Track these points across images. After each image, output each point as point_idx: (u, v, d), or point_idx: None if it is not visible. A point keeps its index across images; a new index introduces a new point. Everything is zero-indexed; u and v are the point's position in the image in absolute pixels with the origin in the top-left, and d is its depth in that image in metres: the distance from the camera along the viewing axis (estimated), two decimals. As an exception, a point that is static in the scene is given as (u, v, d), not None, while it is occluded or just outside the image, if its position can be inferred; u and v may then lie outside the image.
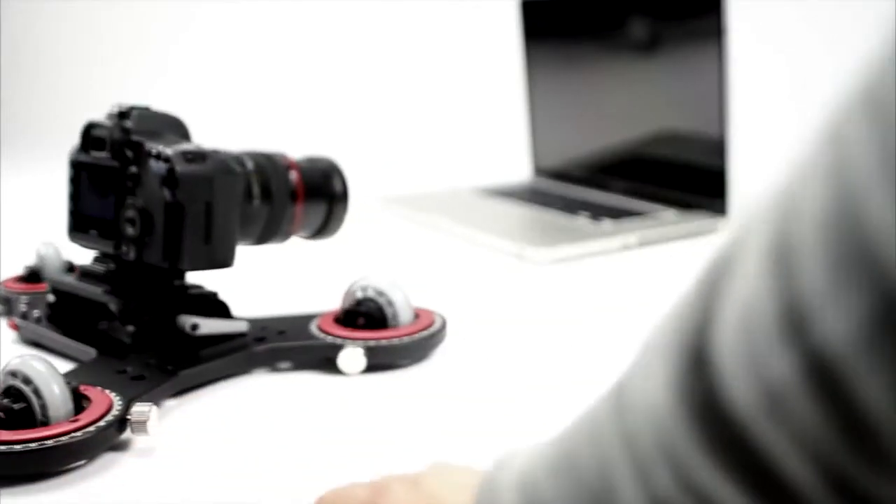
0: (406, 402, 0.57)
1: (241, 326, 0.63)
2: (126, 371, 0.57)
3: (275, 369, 0.64)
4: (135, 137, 0.61)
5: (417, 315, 0.66)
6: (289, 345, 0.63)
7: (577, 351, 0.65)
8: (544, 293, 0.79)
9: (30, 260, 0.75)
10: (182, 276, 0.63)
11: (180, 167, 0.58)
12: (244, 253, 0.63)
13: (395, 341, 0.62)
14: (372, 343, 0.62)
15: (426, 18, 1.73)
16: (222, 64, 1.83)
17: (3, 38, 1.97)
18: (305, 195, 0.66)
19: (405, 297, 0.65)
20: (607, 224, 0.98)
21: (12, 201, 1.20)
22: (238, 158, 0.63)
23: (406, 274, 0.85)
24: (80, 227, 0.65)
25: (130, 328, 0.61)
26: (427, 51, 1.72)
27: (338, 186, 0.68)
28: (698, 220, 1.00)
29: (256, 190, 0.63)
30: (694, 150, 1.03)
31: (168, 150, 0.58)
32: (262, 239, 0.65)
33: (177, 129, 0.64)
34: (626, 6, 1.09)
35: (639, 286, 0.80)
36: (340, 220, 0.69)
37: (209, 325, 0.61)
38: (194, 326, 0.61)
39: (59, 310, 0.67)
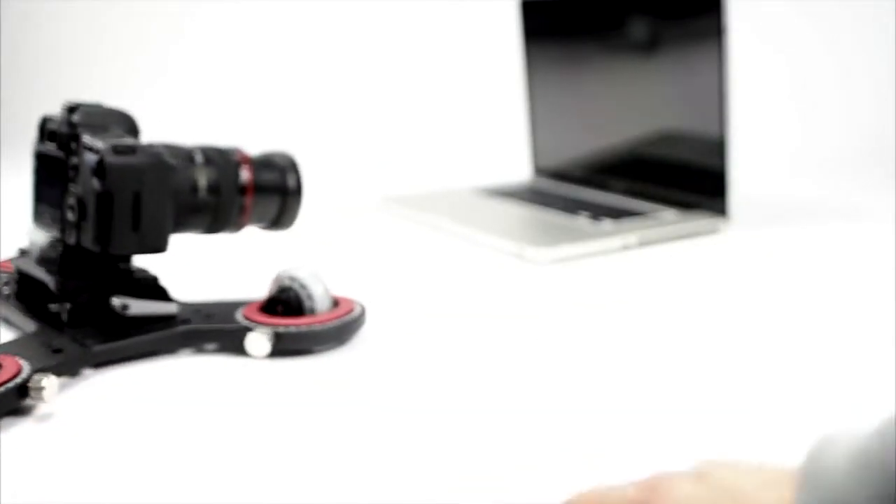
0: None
1: (170, 309, 0.68)
2: (51, 345, 0.63)
3: (201, 351, 0.67)
4: (79, 131, 0.65)
5: (337, 304, 0.69)
6: (204, 327, 0.67)
7: (567, 350, 0.65)
8: (544, 293, 0.79)
9: (25, 243, 0.78)
10: (127, 261, 0.68)
11: (109, 159, 0.62)
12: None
13: (304, 328, 0.65)
14: (281, 329, 0.65)
15: (426, 18, 1.73)
16: (222, 64, 1.83)
17: (3, 38, 1.97)
18: (256, 189, 0.71)
19: (323, 286, 0.68)
20: (607, 224, 0.98)
21: (16, 192, 1.18)
22: (188, 153, 0.68)
23: (406, 274, 0.85)
24: (39, 212, 0.70)
25: (67, 306, 0.66)
26: (427, 51, 1.72)
27: (291, 181, 0.72)
28: (698, 220, 1.00)
29: (203, 182, 0.68)
30: (694, 150, 1.03)
31: (100, 143, 0.63)
32: (212, 229, 0.70)
33: (124, 124, 0.69)
34: (626, 6, 1.09)
35: (639, 286, 0.80)
36: (294, 214, 0.74)
37: (139, 306, 0.67)
38: (124, 307, 0.67)
39: (22, 289, 0.72)
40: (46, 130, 0.69)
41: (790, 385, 0.57)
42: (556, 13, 1.20)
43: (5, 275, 0.76)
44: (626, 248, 0.94)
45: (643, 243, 0.95)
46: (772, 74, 1.51)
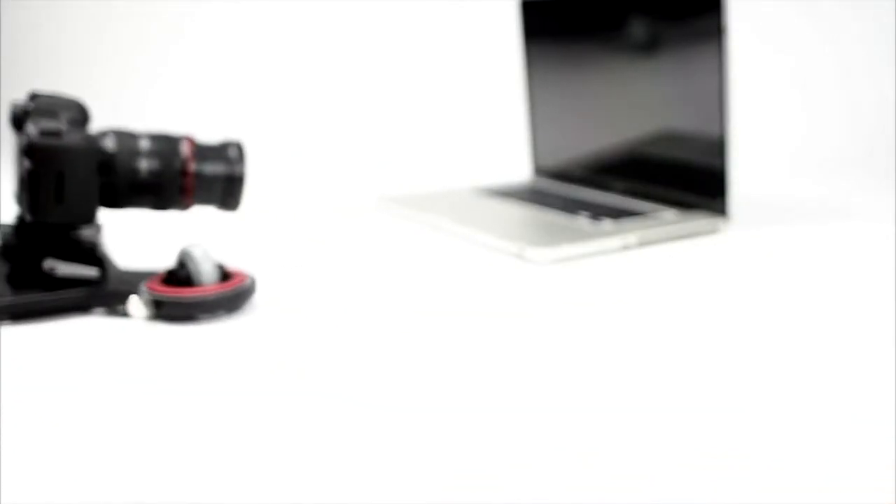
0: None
1: (90, 272, 0.77)
2: None
3: (115, 313, 0.75)
4: (30, 117, 0.74)
5: (227, 277, 0.76)
6: (96, 291, 0.75)
7: (566, 349, 0.65)
8: (543, 293, 0.79)
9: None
10: (72, 229, 0.78)
11: (35, 141, 0.72)
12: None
13: (183, 297, 0.73)
14: (162, 296, 0.73)
15: (426, 18, 1.73)
16: (222, 64, 1.83)
17: (3, 38, 1.97)
18: (196, 172, 0.80)
19: (212, 263, 0.75)
20: (607, 224, 0.98)
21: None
22: (135, 138, 0.78)
23: (404, 273, 0.85)
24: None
25: (6, 266, 0.77)
26: (427, 51, 1.72)
27: (232, 165, 0.81)
28: (698, 220, 1.00)
29: (145, 165, 0.78)
30: (694, 150, 1.03)
31: (31, 128, 0.72)
32: (157, 206, 0.80)
33: (74, 111, 0.77)
34: (626, 6, 1.09)
35: (638, 286, 0.80)
36: (238, 196, 0.82)
37: (64, 269, 0.76)
38: (52, 269, 0.76)
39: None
40: (10, 116, 0.79)
41: (790, 385, 0.57)
42: (556, 13, 1.20)
43: None
44: (626, 248, 0.94)
45: (643, 243, 0.95)
46: (772, 74, 1.51)
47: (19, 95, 1.88)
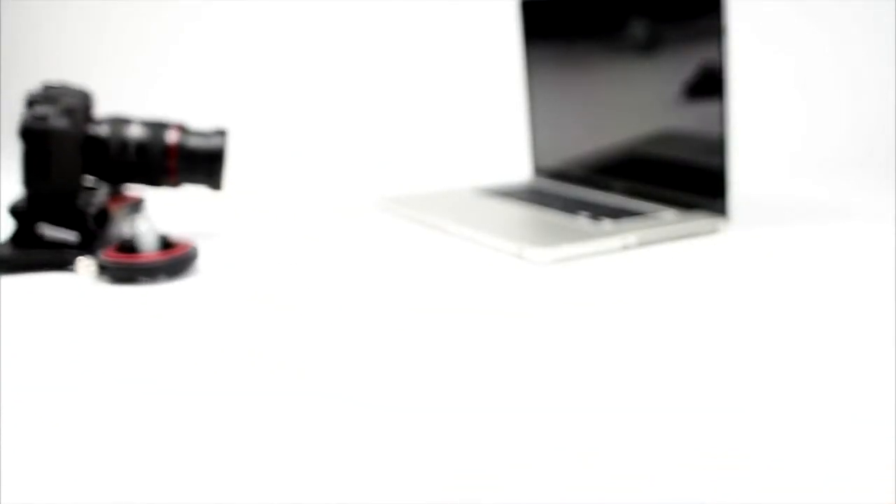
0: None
1: (68, 237, 0.89)
2: None
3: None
4: (32, 104, 0.89)
5: (168, 247, 0.86)
6: (74, 253, 0.87)
7: (566, 349, 0.65)
8: (543, 293, 0.79)
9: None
10: (74, 198, 0.89)
11: (27, 125, 0.87)
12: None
13: (123, 262, 0.84)
14: (106, 261, 0.84)
15: (426, 18, 1.73)
16: (223, 63, 1.83)
17: (3, 38, 1.97)
18: (180, 152, 0.94)
19: (154, 234, 0.86)
20: (607, 224, 0.98)
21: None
22: (127, 123, 0.93)
23: (403, 272, 0.85)
24: None
25: (13, 227, 0.90)
26: (427, 51, 1.72)
27: (214, 146, 0.94)
28: (698, 220, 1.00)
29: (133, 145, 0.93)
30: (694, 150, 1.03)
31: (26, 113, 0.87)
32: (149, 183, 0.95)
33: (79, 100, 0.90)
34: (626, 6, 1.09)
35: (638, 286, 0.80)
36: (219, 177, 0.95)
37: (50, 232, 0.89)
38: (40, 231, 0.89)
39: None
40: (25, 102, 0.90)
41: (789, 385, 0.57)
42: (556, 13, 1.20)
43: None
44: (625, 248, 0.93)
45: (643, 243, 0.95)
46: (772, 74, 1.51)
47: (18, 96, 1.88)
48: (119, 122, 0.92)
